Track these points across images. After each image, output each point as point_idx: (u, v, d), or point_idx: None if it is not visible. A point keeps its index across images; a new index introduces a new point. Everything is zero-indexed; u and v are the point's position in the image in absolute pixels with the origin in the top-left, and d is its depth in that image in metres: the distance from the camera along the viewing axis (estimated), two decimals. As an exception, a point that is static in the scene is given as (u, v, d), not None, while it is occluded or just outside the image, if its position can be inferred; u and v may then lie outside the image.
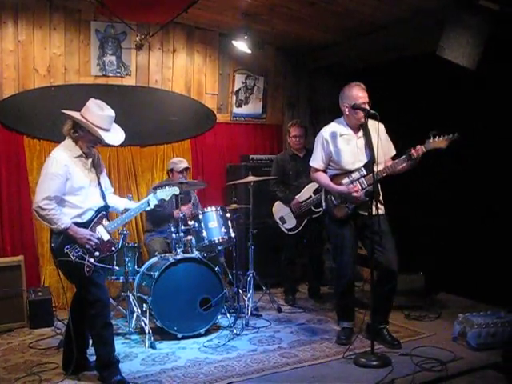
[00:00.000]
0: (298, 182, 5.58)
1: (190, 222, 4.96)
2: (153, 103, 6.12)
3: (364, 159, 4.23)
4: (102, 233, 3.68)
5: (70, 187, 3.55)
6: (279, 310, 5.39)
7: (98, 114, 3.64)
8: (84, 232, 3.56)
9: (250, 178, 5.26)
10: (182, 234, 4.78)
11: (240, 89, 6.69)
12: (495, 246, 5.03)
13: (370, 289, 4.06)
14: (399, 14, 5.22)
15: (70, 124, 3.67)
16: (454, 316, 4.44)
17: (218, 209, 5.07)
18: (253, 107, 6.82)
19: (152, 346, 4.32)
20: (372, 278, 3.96)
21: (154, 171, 6.19)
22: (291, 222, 5.58)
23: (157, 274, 4.47)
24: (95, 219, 3.68)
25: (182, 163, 5.55)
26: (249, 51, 5.90)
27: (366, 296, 4.96)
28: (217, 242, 4.94)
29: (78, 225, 3.57)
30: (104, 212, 3.74)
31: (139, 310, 4.61)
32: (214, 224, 4.97)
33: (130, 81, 5.96)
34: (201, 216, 4.97)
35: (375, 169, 4.06)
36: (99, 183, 3.77)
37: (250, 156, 6.49)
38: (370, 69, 6.05)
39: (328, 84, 6.91)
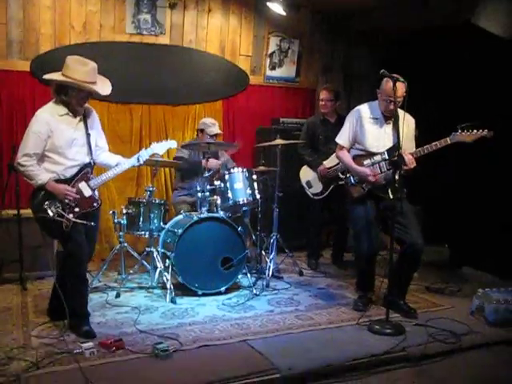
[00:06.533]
0: (326, 148, 5.52)
1: (216, 182, 5.02)
2: (186, 63, 6.14)
3: (389, 145, 4.23)
4: (84, 189, 3.75)
5: (52, 144, 3.64)
6: (300, 274, 5.46)
7: (82, 70, 3.67)
8: (61, 187, 3.64)
9: (278, 141, 5.27)
10: (207, 193, 4.85)
11: (274, 51, 6.64)
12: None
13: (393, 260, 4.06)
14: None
15: (54, 87, 3.72)
16: (476, 291, 4.41)
17: (245, 170, 5.11)
18: (286, 70, 6.76)
19: (172, 301, 4.45)
20: (391, 256, 3.97)
21: (185, 130, 6.26)
22: (317, 187, 5.58)
23: (180, 231, 4.57)
24: (78, 176, 3.75)
25: (215, 127, 5.57)
26: (283, 13, 5.83)
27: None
28: (241, 202, 5.01)
29: (61, 182, 3.67)
30: (88, 169, 3.81)
31: (162, 266, 4.74)
32: (240, 185, 5.02)
33: (164, 40, 5.98)
34: (227, 176, 5.03)
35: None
36: (88, 141, 3.81)
37: (281, 119, 6.47)
38: (407, 36, 5.90)
39: (364, 50, 6.79)
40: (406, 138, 4.17)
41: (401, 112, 4.08)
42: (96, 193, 3.89)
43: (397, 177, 3.99)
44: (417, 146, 4.32)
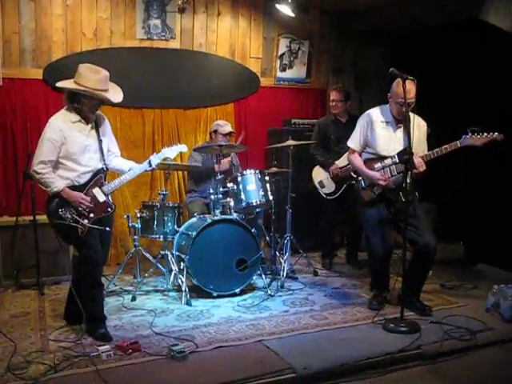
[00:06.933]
0: (338, 147, 5.54)
1: (229, 184, 5.05)
2: (197, 66, 6.18)
3: (400, 148, 4.22)
4: (98, 194, 3.81)
5: (66, 151, 3.69)
6: (315, 274, 5.47)
7: (94, 78, 3.71)
8: (76, 195, 3.70)
9: (290, 142, 5.29)
10: (220, 195, 4.87)
11: (284, 53, 6.66)
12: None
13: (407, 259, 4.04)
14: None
15: (66, 94, 3.77)
16: (491, 288, 4.39)
17: (257, 172, 5.13)
18: (297, 71, 6.77)
19: (188, 303, 4.48)
20: (404, 257, 3.95)
21: (197, 134, 6.30)
22: (330, 187, 5.60)
23: (194, 233, 4.60)
24: (91, 182, 3.80)
25: (227, 126, 5.62)
26: (292, 15, 5.86)
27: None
28: (254, 204, 5.03)
29: (75, 188, 3.72)
30: (101, 175, 3.85)
31: (177, 268, 4.77)
32: (253, 186, 5.05)
33: (174, 44, 6.04)
34: (239, 178, 5.05)
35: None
36: (100, 147, 3.86)
37: (292, 120, 6.49)
38: (417, 33, 5.90)
39: (374, 49, 6.78)
40: (418, 142, 4.16)
41: (411, 115, 4.05)
42: (109, 198, 3.93)
43: (408, 180, 3.99)
44: (429, 144, 4.31)
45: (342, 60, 7.02)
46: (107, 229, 3.85)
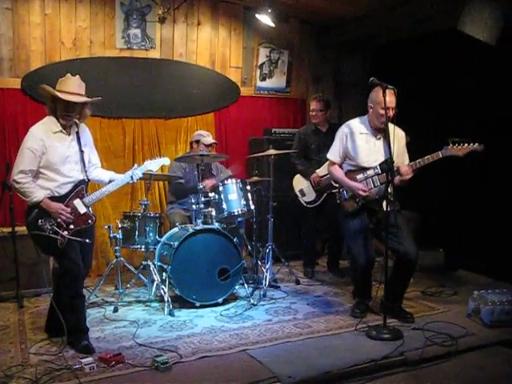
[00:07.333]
0: (319, 157, 5.57)
1: (211, 194, 5.05)
2: (177, 76, 6.18)
3: (381, 159, 4.24)
4: (79, 206, 3.77)
5: (46, 161, 3.65)
6: (297, 282, 5.48)
7: (62, 80, 3.71)
8: (56, 206, 3.65)
9: (271, 151, 5.32)
10: (202, 205, 4.87)
11: (264, 62, 6.69)
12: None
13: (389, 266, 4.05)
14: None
15: (47, 101, 3.77)
16: (471, 293, 4.45)
17: (238, 181, 5.14)
18: (277, 81, 6.81)
19: (170, 314, 4.46)
20: (386, 265, 3.97)
21: (177, 143, 6.28)
22: (311, 196, 5.62)
23: (176, 243, 4.58)
24: (72, 193, 3.76)
25: (210, 137, 5.63)
26: (272, 24, 5.89)
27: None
28: (236, 213, 5.03)
29: (56, 199, 3.68)
30: (82, 186, 3.82)
31: (159, 279, 4.74)
32: (234, 196, 5.05)
33: (154, 54, 6.02)
34: (221, 188, 5.06)
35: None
36: (82, 158, 3.83)
37: (273, 129, 6.51)
38: (396, 44, 5.98)
39: (353, 58, 6.87)
40: (397, 153, 4.20)
41: (391, 126, 4.08)
42: (90, 209, 3.89)
43: (390, 190, 4.03)
44: (408, 152, 4.37)
45: (322, 69, 7.08)
46: (87, 241, 3.80)
